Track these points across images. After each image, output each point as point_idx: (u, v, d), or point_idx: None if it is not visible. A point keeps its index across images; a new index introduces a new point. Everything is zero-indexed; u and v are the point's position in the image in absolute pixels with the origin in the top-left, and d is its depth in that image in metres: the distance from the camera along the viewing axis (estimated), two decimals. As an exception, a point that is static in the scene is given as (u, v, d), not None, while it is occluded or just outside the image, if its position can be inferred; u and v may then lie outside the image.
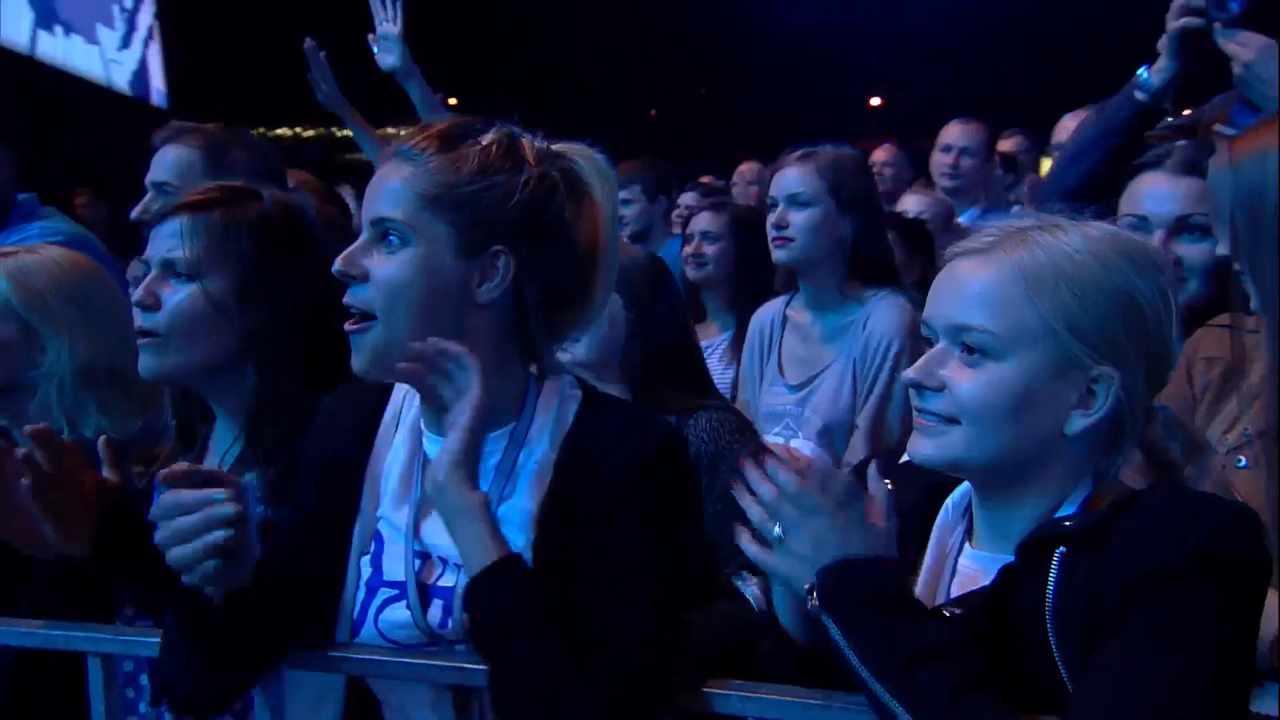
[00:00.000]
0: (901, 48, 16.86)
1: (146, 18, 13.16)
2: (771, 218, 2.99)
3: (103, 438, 1.87)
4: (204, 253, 1.95)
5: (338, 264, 1.60)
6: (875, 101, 20.46)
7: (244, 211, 2.00)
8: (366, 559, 1.68)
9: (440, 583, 1.63)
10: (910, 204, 4.53)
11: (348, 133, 4.07)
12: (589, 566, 1.53)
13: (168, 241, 1.97)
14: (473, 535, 1.51)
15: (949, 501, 1.57)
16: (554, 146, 1.67)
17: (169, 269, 1.96)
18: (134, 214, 2.79)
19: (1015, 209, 5.07)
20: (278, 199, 2.07)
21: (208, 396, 2.05)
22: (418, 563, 1.64)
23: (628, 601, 1.51)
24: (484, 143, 1.60)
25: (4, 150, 3.34)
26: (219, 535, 1.48)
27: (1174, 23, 2.64)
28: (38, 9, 10.88)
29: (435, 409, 1.62)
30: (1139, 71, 2.72)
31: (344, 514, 1.68)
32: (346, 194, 4.54)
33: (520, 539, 1.58)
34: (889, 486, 1.45)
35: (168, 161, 2.83)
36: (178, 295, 1.94)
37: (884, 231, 3.10)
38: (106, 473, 1.83)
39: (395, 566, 1.65)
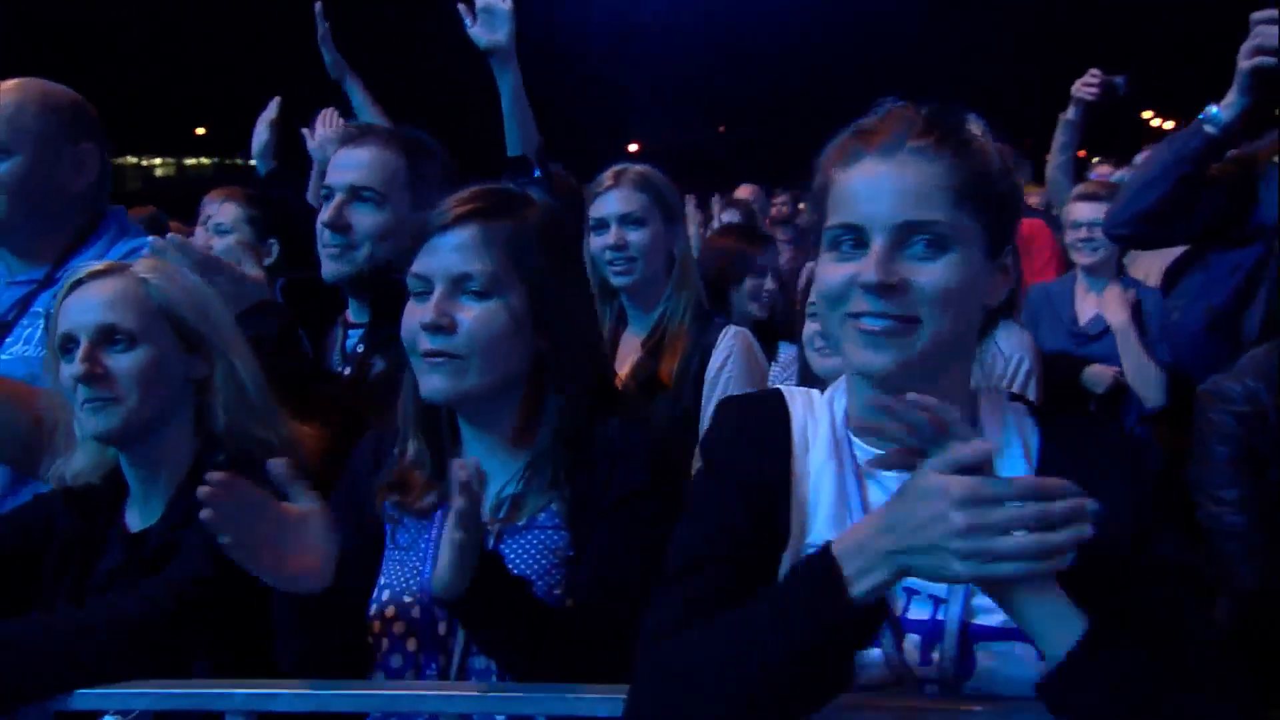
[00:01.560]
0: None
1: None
2: None
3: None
4: (500, 266, 1.76)
5: (873, 275, 1.39)
6: (633, 148, 21.70)
7: (528, 220, 1.81)
8: None
9: (909, 615, 1.43)
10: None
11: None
12: (1142, 598, 1.36)
13: (452, 255, 1.77)
14: (1048, 602, 1.27)
15: None
16: None
17: (458, 285, 1.77)
18: (326, 218, 2.43)
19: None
20: (549, 207, 1.88)
21: (472, 421, 1.83)
22: None
23: (1200, 624, 1.36)
24: (981, 134, 1.45)
25: (96, 145, 2.62)
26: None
27: (1246, 62, 2.79)
28: None
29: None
30: (1208, 107, 2.87)
31: (773, 542, 1.46)
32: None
33: None
34: None
35: (366, 161, 2.42)
36: (474, 313, 1.75)
37: None
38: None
39: None
